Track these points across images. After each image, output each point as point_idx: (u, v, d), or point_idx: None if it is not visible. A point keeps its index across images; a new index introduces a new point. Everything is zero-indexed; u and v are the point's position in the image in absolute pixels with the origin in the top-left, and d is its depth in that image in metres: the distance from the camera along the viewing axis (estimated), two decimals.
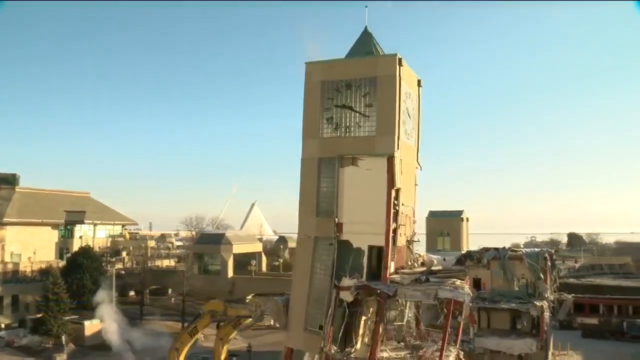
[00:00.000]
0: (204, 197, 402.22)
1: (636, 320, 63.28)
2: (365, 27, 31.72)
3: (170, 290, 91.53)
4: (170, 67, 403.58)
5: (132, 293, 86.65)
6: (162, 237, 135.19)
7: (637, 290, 69.90)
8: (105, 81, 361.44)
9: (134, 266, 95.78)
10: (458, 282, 28.36)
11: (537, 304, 43.94)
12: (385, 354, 28.69)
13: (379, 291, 27.42)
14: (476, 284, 47.46)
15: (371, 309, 29.70)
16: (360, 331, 29.93)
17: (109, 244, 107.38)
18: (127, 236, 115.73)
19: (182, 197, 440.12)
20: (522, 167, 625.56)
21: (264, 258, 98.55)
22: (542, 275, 46.55)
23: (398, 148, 27.99)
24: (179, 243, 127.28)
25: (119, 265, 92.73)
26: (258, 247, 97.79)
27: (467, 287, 28.72)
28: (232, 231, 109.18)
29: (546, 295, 46.56)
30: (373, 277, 28.03)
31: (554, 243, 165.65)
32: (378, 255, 28.27)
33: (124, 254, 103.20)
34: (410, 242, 31.26)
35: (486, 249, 50.90)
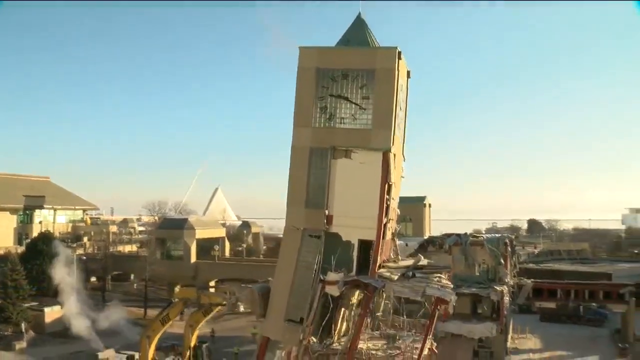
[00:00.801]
0: (166, 181, 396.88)
1: (592, 304, 64.83)
2: (359, 14, 30.87)
3: (132, 276, 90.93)
4: (132, 48, 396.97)
5: (93, 279, 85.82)
6: (124, 222, 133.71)
7: (594, 275, 71.71)
8: (65, 61, 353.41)
9: (96, 252, 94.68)
10: (444, 279, 28.85)
11: (498, 288, 44.80)
12: (364, 345, 29.04)
13: (366, 284, 27.63)
14: None
15: (352, 300, 29.90)
16: (339, 323, 30.20)
17: (69, 230, 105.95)
18: (88, 221, 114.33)
19: (145, 181, 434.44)
20: (484, 153, 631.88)
21: (227, 243, 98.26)
22: (502, 261, 47.47)
23: (393, 143, 27.78)
24: (142, 228, 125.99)
25: (80, 251, 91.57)
26: (221, 232, 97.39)
27: (451, 284, 29.34)
28: (195, 216, 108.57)
29: (506, 280, 47.55)
30: (359, 270, 28.09)
31: (514, 229, 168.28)
32: (364, 248, 28.24)
33: (85, 239, 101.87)
34: (394, 234, 31.48)
35: (448, 235, 51.63)
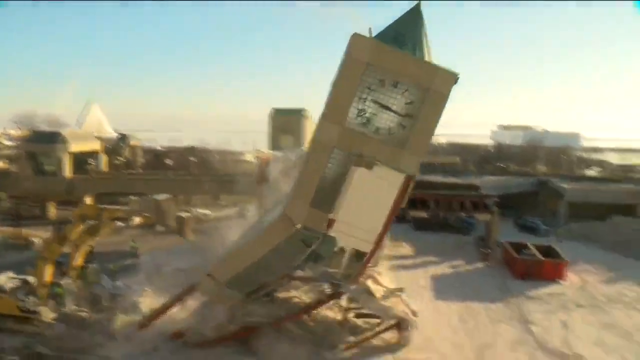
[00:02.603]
0: (37, 92, 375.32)
1: (460, 213, 68.59)
2: (418, 4, 27.22)
3: (1, 194, 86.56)
4: None
5: None
6: None
7: (462, 187, 75.49)
8: None
9: None
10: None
11: None
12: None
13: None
14: None
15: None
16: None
17: None
18: None
19: (13, 92, 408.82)
20: None
21: (104, 157, 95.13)
22: None
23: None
24: (10, 143, 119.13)
25: None
26: (97, 146, 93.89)
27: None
28: (68, 129, 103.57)
29: None
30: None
31: None
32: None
33: None
34: None
35: None
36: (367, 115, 26.45)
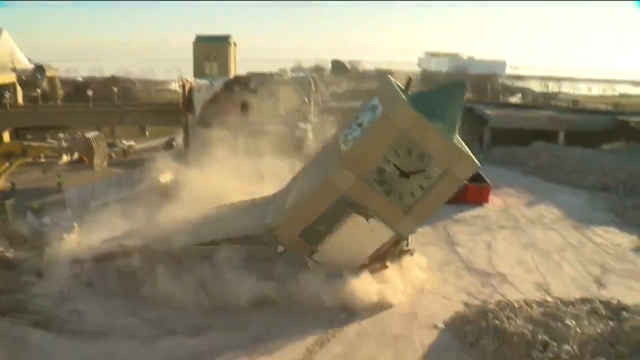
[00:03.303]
0: None
1: None
2: (463, 82, 28.70)
3: None
4: None
5: None
6: None
7: None
8: None
9: None
10: None
11: (302, 126, 46.31)
12: None
13: None
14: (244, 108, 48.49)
15: None
16: None
17: None
18: None
19: None
20: None
21: (19, 90, 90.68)
22: (307, 99, 48.72)
23: None
24: None
25: None
26: (11, 78, 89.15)
27: None
28: None
29: (310, 118, 49.09)
30: None
31: (318, 69, 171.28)
32: None
33: None
34: None
35: (254, 74, 51.57)
36: (385, 176, 26.84)
